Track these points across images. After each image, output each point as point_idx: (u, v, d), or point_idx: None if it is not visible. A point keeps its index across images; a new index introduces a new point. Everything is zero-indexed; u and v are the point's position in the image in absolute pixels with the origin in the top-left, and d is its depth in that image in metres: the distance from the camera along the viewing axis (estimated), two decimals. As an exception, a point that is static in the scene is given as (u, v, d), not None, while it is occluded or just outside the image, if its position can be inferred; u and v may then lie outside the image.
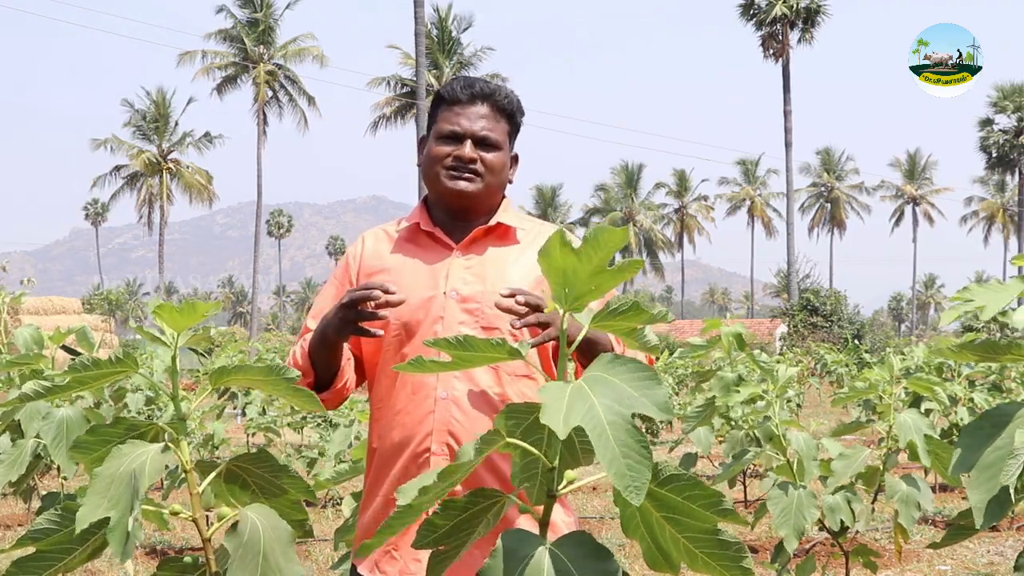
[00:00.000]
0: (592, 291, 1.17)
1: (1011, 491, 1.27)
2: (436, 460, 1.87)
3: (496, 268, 1.99)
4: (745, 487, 8.10)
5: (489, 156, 2.01)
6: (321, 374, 1.95)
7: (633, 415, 1.03)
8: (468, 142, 2.00)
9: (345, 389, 2.00)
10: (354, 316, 1.81)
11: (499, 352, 1.22)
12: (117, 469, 1.30)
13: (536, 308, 1.71)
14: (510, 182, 2.11)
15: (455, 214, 2.05)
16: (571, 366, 1.94)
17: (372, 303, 1.78)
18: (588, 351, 1.78)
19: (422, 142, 2.10)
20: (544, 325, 1.71)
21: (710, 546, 1.17)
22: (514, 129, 2.08)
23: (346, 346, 1.96)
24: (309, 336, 1.97)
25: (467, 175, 2.00)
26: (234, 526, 1.35)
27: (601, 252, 1.13)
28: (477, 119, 2.01)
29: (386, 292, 1.78)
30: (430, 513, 1.22)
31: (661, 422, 10.52)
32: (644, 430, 10.74)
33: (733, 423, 5.00)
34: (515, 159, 2.12)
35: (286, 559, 1.33)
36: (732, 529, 4.89)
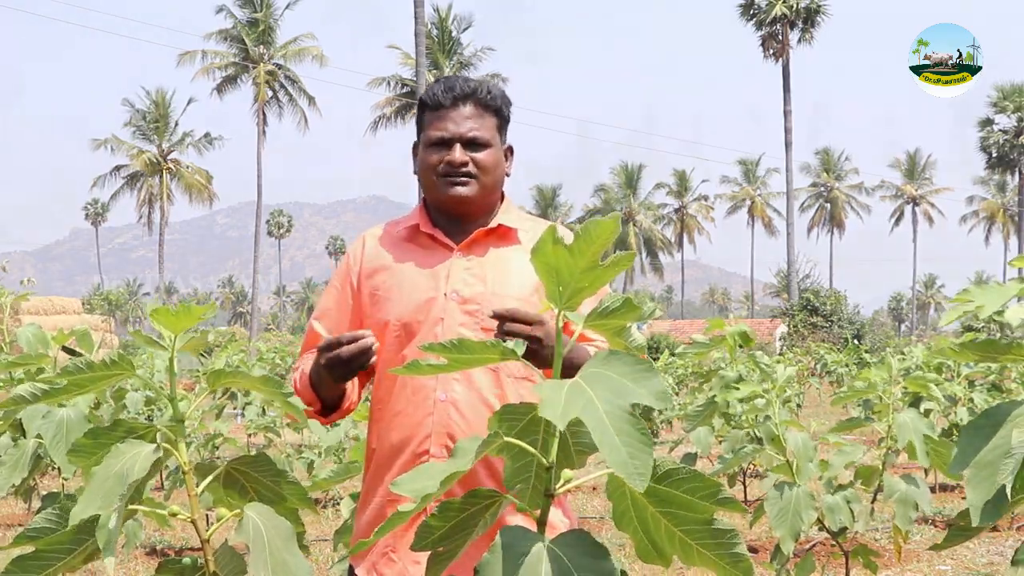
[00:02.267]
0: (586, 287, 1.16)
1: (1008, 490, 1.27)
2: (435, 463, 1.87)
3: (497, 269, 1.98)
4: (745, 487, 8.10)
5: (480, 156, 1.99)
6: (327, 400, 1.96)
7: (632, 405, 1.03)
8: (457, 146, 1.98)
9: (352, 406, 2.01)
10: (341, 373, 1.81)
11: (493, 353, 1.21)
12: (111, 468, 1.30)
13: (526, 322, 1.69)
14: (507, 175, 2.09)
15: (455, 217, 2.05)
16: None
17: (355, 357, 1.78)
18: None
19: (415, 149, 2.09)
20: (529, 336, 1.67)
21: (705, 536, 1.17)
22: (503, 122, 2.06)
23: None
24: (308, 362, 1.96)
25: (462, 180, 1.99)
26: (240, 523, 1.35)
27: (594, 246, 1.13)
28: (463, 121, 1.99)
29: (354, 341, 1.77)
30: (427, 514, 1.22)
31: (661, 422, 10.51)
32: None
33: (733, 422, 5.00)
34: (509, 151, 2.10)
35: (290, 554, 1.33)
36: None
